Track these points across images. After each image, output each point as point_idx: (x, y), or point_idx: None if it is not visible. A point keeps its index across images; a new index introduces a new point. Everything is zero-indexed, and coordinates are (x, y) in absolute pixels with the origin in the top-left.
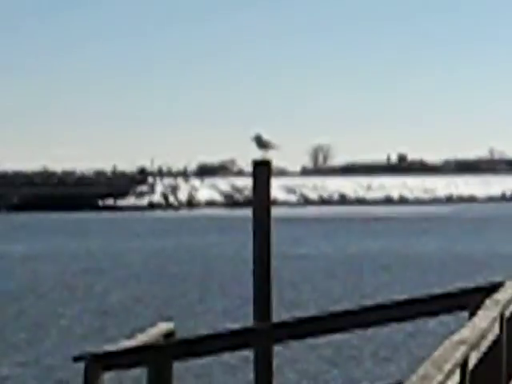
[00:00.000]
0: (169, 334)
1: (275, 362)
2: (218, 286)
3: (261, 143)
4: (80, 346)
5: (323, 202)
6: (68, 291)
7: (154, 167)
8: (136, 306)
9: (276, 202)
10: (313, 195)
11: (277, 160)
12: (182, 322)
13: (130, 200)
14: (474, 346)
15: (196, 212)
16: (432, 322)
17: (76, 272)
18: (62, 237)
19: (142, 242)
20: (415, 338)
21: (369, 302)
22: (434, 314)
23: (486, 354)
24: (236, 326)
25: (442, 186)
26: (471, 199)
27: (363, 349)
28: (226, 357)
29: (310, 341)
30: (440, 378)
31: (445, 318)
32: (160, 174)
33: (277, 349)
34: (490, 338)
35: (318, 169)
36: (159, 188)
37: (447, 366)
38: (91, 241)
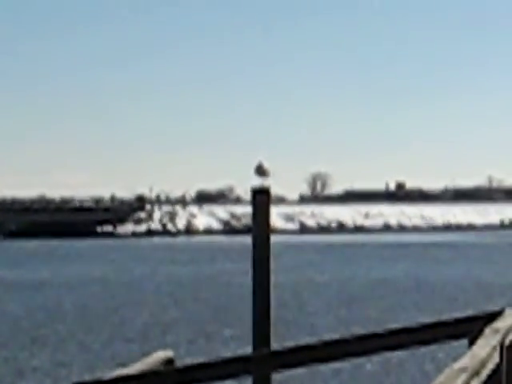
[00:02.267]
0: (168, 362)
1: None
2: (221, 312)
3: (261, 171)
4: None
5: (321, 229)
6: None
7: (153, 194)
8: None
9: (275, 230)
10: (311, 223)
11: (275, 188)
12: (182, 348)
13: (129, 227)
14: (474, 375)
15: (194, 239)
16: (431, 350)
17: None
18: (64, 263)
19: (145, 268)
20: (415, 367)
21: (370, 329)
22: (432, 341)
23: (485, 382)
24: (236, 352)
25: (440, 214)
26: (469, 227)
27: (362, 376)
28: None
29: (311, 368)
30: None
31: (444, 347)
32: (158, 201)
33: (275, 376)
34: (490, 366)
35: (316, 196)
36: (157, 215)
37: None
38: (95, 267)
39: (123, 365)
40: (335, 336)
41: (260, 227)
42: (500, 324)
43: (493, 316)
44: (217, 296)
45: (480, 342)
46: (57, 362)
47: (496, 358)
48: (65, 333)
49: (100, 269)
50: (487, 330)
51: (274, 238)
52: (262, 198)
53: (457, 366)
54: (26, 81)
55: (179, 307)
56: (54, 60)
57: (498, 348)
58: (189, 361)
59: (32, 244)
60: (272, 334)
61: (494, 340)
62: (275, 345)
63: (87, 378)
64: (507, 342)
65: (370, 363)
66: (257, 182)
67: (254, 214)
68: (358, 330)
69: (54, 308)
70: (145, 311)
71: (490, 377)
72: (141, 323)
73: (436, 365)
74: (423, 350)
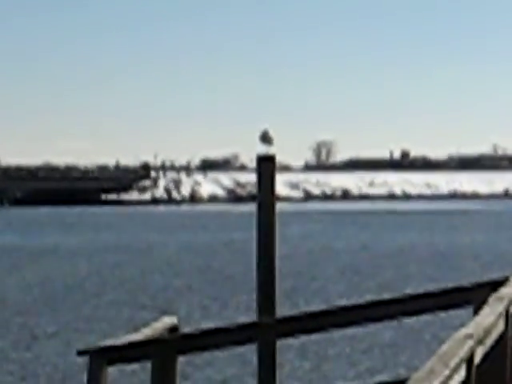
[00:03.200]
0: (173, 329)
1: (279, 357)
2: (224, 279)
3: (265, 139)
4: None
5: (326, 197)
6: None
7: (157, 162)
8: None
9: (279, 198)
10: (316, 191)
11: (280, 156)
12: (187, 315)
13: (133, 195)
14: (479, 342)
15: (199, 207)
16: (437, 318)
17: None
18: (73, 230)
19: (158, 236)
20: (421, 333)
21: (374, 297)
22: (439, 309)
23: (491, 349)
24: (241, 319)
25: (444, 182)
26: (474, 196)
27: (370, 343)
28: (230, 351)
29: (315, 335)
30: (446, 372)
31: (450, 313)
32: (163, 168)
33: (280, 343)
34: (495, 333)
35: (321, 165)
36: (162, 183)
37: (453, 361)
38: (105, 235)
39: (134, 330)
40: (344, 303)
41: (265, 194)
42: (505, 292)
43: (498, 284)
44: (229, 263)
45: (485, 309)
46: (71, 327)
47: (501, 326)
48: (80, 299)
49: (111, 237)
50: (492, 298)
51: (278, 206)
52: (267, 166)
53: (461, 333)
54: (29, 50)
55: (192, 275)
56: (55, 29)
57: (504, 315)
58: (195, 328)
59: (37, 211)
60: (279, 301)
61: (499, 308)
62: (287, 312)
63: (95, 344)
64: None
65: (377, 331)
66: (262, 149)
67: (259, 182)
68: (370, 297)
69: (68, 275)
70: (158, 278)
71: (495, 344)
72: (154, 290)
73: (443, 333)
74: (429, 317)
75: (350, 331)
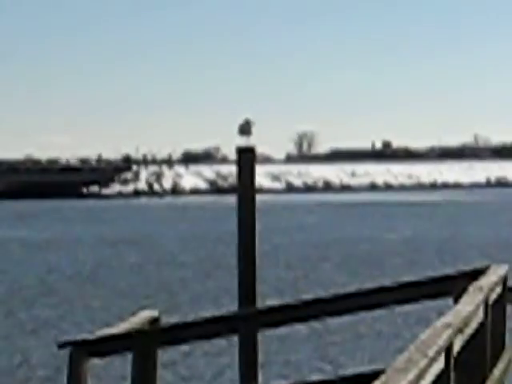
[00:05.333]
0: (153, 321)
1: (260, 348)
2: (205, 271)
3: (244, 130)
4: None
5: (308, 189)
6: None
7: (139, 155)
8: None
9: (261, 190)
10: (297, 182)
11: (261, 147)
12: (168, 307)
13: (115, 187)
14: (458, 331)
15: (181, 199)
16: (417, 308)
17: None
18: (60, 223)
19: (148, 227)
20: (400, 324)
21: (355, 288)
22: (418, 299)
23: (470, 339)
24: (222, 311)
25: (426, 172)
26: (455, 186)
27: (347, 334)
28: (212, 342)
29: (296, 326)
30: (424, 362)
31: (430, 304)
32: (145, 161)
33: (262, 334)
34: (475, 323)
35: (303, 156)
36: (144, 175)
37: (432, 351)
38: (93, 227)
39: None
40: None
41: (245, 186)
42: (484, 281)
43: (477, 273)
44: (223, 255)
45: (464, 299)
46: (68, 318)
47: (481, 315)
48: (72, 291)
49: (100, 229)
50: (471, 288)
51: (260, 198)
52: (246, 157)
53: (440, 323)
54: (12, 44)
55: (187, 266)
56: (35, 23)
57: (483, 305)
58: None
59: (19, 204)
60: (259, 293)
61: (479, 297)
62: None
63: (79, 335)
64: (491, 299)
65: (356, 321)
66: (242, 141)
67: (239, 173)
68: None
69: (60, 267)
70: (154, 269)
71: (474, 334)
72: (151, 281)
73: (423, 323)
74: (408, 308)
75: (331, 321)
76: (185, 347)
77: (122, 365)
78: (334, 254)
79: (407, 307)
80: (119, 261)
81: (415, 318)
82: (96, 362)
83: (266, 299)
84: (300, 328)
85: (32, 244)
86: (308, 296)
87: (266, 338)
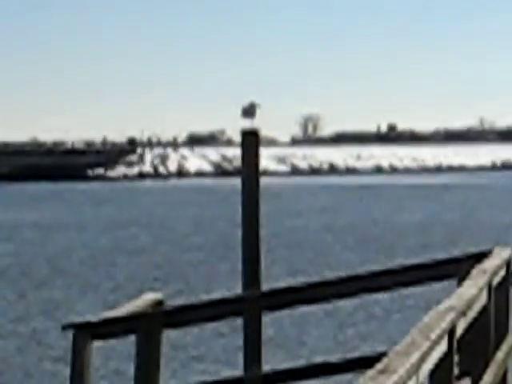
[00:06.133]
0: (157, 304)
1: (264, 329)
2: (216, 253)
3: (247, 113)
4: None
5: (313, 171)
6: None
7: (144, 137)
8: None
9: (266, 172)
10: (303, 165)
11: (267, 130)
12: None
13: (120, 170)
14: (461, 314)
15: (186, 182)
16: (421, 290)
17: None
18: (63, 206)
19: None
20: (405, 306)
21: (361, 270)
22: (422, 281)
23: (473, 322)
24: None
25: (431, 155)
26: (461, 169)
27: (352, 316)
28: (216, 325)
29: (300, 308)
30: (427, 345)
31: (434, 286)
32: (150, 144)
33: (266, 317)
34: (478, 306)
35: (308, 139)
36: (149, 158)
37: (434, 334)
38: (97, 210)
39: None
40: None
41: (249, 168)
42: (488, 264)
43: (481, 256)
44: (227, 236)
45: (467, 282)
46: (74, 299)
47: (484, 298)
48: (84, 273)
49: (108, 211)
50: (475, 271)
51: (265, 180)
52: (250, 139)
53: (443, 305)
54: (16, 28)
55: (195, 248)
56: (43, 8)
57: (486, 288)
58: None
59: (24, 187)
60: (268, 274)
61: (482, 280)
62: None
63: (83, 318)
64: (495, 282)
65: (362, 304)
66: (246, 123)
67: (243, 156)
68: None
69: (71, 249)
70: (167, 251)
71: (477, 317)
72: (165, 262)
73: (424, 305)
74: (412, 290)
75: (336, 303)
76: (191, 329)
77: (127, 347)
78: (345, 237)
79: (417, 289)
80: (130, 243)
81: (425, 299)
82: (101, 344)
83: (276, 281)
84: (314, 309)
85: (42, 226)
86: (315, 278)
87: (277, 319)
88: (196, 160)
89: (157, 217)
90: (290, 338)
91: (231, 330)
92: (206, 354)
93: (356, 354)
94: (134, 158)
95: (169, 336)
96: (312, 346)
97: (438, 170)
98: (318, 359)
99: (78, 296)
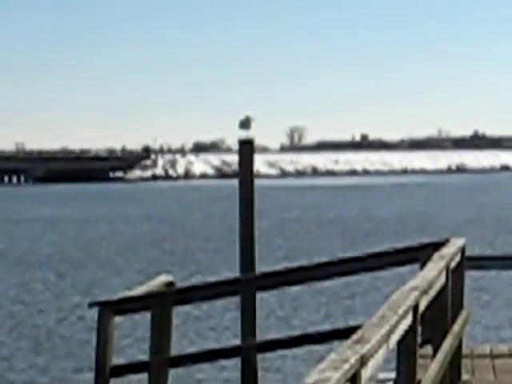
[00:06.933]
0: (169, 284)
1: (258, 307)
2: (224, 242)
3: (244, 125)
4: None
5: (298, 174)
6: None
7: (157, 145)
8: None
9: (259, 175)
10: (289, 168)
11: (259, 139)
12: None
13: (137, 173)
14: (423, 293)
15: (191, 182)
16: (387, 274)
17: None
18: (90, 203)
19: (175, 207)
20: (376, 286)
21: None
22: (391, 265)
23: (434, 299)
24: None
25: (397, 160)
26: (422, 171)
27: (331, 295)
28: (218, 303)
29: (287, 289)
30: (395, 319)
31: (403, 269)
32: (161, 151)
33: (259, 295)
34: (438, 286)
35: (294, 146)
36: (160, 163)
37: (401, 309)
38: (120, 207)
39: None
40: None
41: (245, 171)
42: (446, 251)
43: (440, 244)
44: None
45: (429, 266)
46: (103, 281)
47: (442, 280)
48: (112, 258)
49: (129, 208)
50: (435, 256)
51: (258, 182)
52: (246, 148)
53: (408, 285)
54: (52, 51)
55: (204, 238)
56: (77, 24)
57: (445, 271)
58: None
59: (56, 188)
60: (263, 259)
61: (441, 265)
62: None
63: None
64: (452, 266)
65: (339, 286)
66: (242, 134)
67: (240, 161)
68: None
69: (101, 239)
70: (187, 241)
71: (437, 295)
72: (186, 251)
73: (392, 285)
74: (384, 273)
75: (314, 285)
76: (197, 306)
77: (144, 321)
78: (329, 228)
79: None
80: (149, 233)
81: (396, 280)
82: (121, 319)
83: (274, 264)
84: (305, 289)
85: (75, 220)
86: (300, 263)
87: (275, 298)
88: (200, 164)
89: (169, 212)
90: (282, 314)
91: (236, 306)
92: (209, 327)
93: (337, 326)
94: (148, 162)
95: (185, 311)
96: (301, 320)
97: (404, 172)
98: (307, 330)
99: (107, 277)
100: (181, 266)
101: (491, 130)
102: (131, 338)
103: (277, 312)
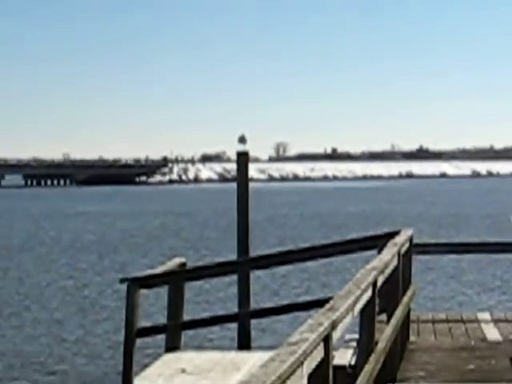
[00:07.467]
0: (182, 265)
1: (252, 283)
2: (217, 231)
3: (241, 140)
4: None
5: (283, 179)
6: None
7: (173, 156)
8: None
9: (252, 179)
10: (276, 174)
11: (252, 151)
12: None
13: (157, 178)
14: (381, 272)
15: (200, 185)
16: (353, 257)
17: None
18: (121, 201)
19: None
20: (346, 266)
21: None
22: (357, 250)
23: (388, 277)
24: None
25: (360, 168)
26: (379, 177)
27: (312, 273)
28: (220, 280)
29: (279, 268)
30: (358, 292)
31: (361, 254)
32: (176, 160)
33: (256, 273)
34: (391, 267)
35: (280, 157)
36: (175, 170)
37: (363, 285)
38: (146, 204)
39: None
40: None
41: (242, 177)
42: (398, 239)
43: (393, 234)
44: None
45: (385, 251)
46: (133, 262)
47: (395, 262)
48: (140, 245)
49: (155, 205)
50: (389, 243)
51: (251, 185)
52: (243, 158)
53: (369, 266)
54: (77, 70)
55: (213, 228)
56: (91, 31)
57: (397, 255)
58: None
59: (94, 189)
60: (252, 245)
61: (394, 250)
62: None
63: (134, 274)
64: (402, 251)
65: (316, 267)
66: (239, 147)
67: (238, 169)
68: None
69: (130, 229)
70: (192, 232)
71: (391, 274)
72: (202, 239)
73: (356, 266)
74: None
75: (303, 265)
76: (203, 282)
77: (162, 294)
78: (310, 222)
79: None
80: (170, 225)
81: (359, 262)
82: (145, 292)
83: (267, 248)
84: (290, 268)
85: (110, 215)
86: (287, 248)
87: (268, 276)
88: (207, 171)
89: (183, 208)
90: (273, 287)
91: (235, 282)
92: (212, 299)
93: (315, 298)
94: (166, 170)
95: (198, 285)
96: (288, 293)
97: (365, 178)
98: (293, 300)
99: (136, 259)
100: (194, 250)
101: (433, 145)
102: (156, 306)
103: (269, 286)
